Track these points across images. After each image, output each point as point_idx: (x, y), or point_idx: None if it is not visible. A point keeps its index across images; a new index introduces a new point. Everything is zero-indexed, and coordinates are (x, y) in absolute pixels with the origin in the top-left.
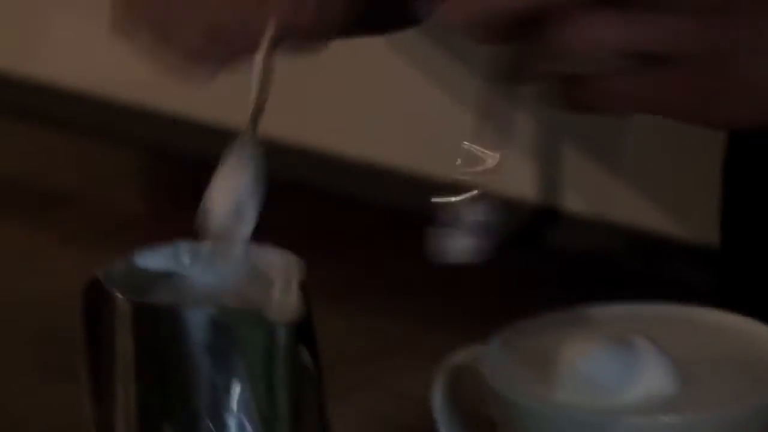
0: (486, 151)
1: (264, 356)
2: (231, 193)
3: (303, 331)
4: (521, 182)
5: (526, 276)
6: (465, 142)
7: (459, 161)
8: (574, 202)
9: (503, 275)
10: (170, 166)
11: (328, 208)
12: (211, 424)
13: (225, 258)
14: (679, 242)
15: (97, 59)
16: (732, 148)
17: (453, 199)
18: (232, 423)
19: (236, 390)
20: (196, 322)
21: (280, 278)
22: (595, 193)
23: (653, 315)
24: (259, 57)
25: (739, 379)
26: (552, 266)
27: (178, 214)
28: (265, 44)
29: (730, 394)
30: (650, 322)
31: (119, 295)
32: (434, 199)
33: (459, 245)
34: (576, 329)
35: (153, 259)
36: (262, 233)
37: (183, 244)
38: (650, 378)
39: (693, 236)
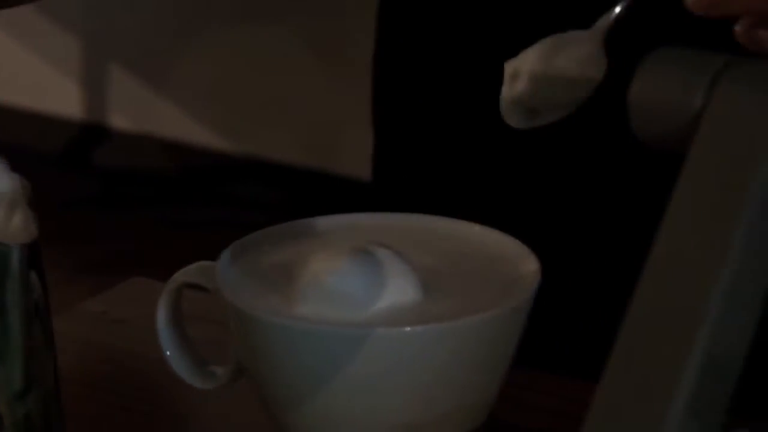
0: None
1: None
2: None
3: (32, 252)
4: (66, 101)
5: (75, 196)
6: None
7: None
8: (121, 119)
9: (51, 196)
10: None
11: None
12: None
13: None
14: (228, 157)
15: None
16: (379, 87)
17: None
18: None
19: None
20: None
21: (2, 199)
22: (141, 110)
23: (380, 225)
24: None
25: (480, 286)
26: (99, 185)
27: None
28: None
29: (473, 301)
30: (379, 231)
31: None
32: None
33: None
34: (310, 241)
35: None
36: None
37: None
38: (394, 288)
39: (243, 151)
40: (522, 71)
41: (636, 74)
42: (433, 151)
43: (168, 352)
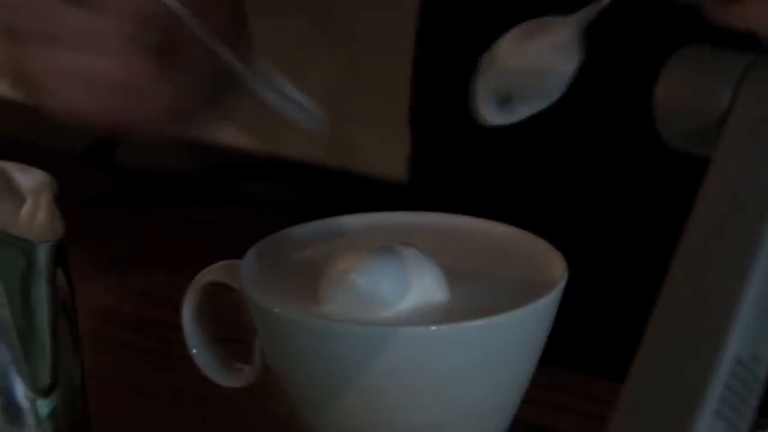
0: None
1: (22, 278)
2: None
3: (58, 249)
4: None
5: (98, 193)
6: None
7: None
8: None
9: (75, 193)
10: None
11: None
12: None
13: None
14: (249, 155)
15: None
16: (419, 91)
17: None
18: None
19: None
20: None
21: (28, 195)
22: None
23: (405, 224)
24: None
25: (507, 286)
26: (122, 182)
27: None
28: None
29: (500, 300)
30: (405, 230)
31: None
32: None
33: None
34: (335, 240)
35: None
36: None
37: None
38: (420, 288)
39: (264, 150)
40: (496, 57)
41: (661, 74)
42: (469, 152)
43: (194, 350)
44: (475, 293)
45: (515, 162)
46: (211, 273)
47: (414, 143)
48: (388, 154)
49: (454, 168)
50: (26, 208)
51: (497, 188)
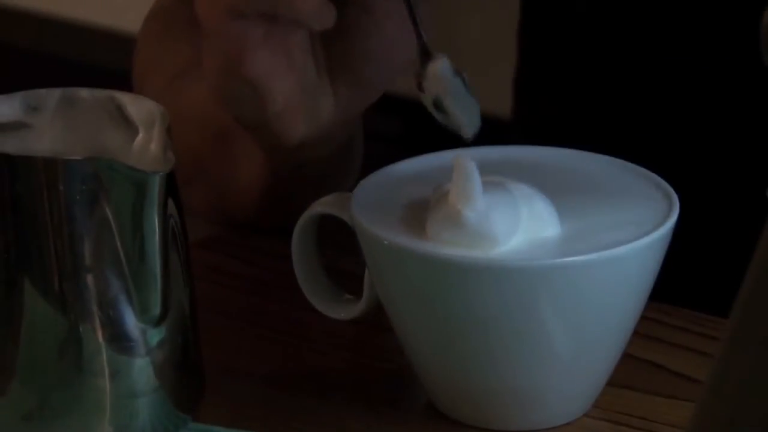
0: None
1: (134, 208)
2: None
3: (170, 180)
4: None
5: None
6: None
7: None
8: None
9: None
10: None
11: None
12: (76, 279)
13: (76, 105)
14: None
15: None
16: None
17: None
18: (99, 277)
19: (104, 243)
20: (62, 171)
21: (141, 126)
22: None
23: (513, 158)
24: None
25: (616, 219)
26: None
27: None
28: None
29: (611, 233)
30: (513, 165)
31: None
32: None
33: None
34: (444, 174)
35: None
36: None
37: (29, 92)
38: (531, 222)
39: None
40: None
41: None
42: (576, 85)
43: (302, 282)
44: (586, 228)
45: (622, 96)
46: (321, 205)
47: (519, 76)
48: (492, 89)
49: (560, 100)
50: (139, 138)
51: (604, 122)
